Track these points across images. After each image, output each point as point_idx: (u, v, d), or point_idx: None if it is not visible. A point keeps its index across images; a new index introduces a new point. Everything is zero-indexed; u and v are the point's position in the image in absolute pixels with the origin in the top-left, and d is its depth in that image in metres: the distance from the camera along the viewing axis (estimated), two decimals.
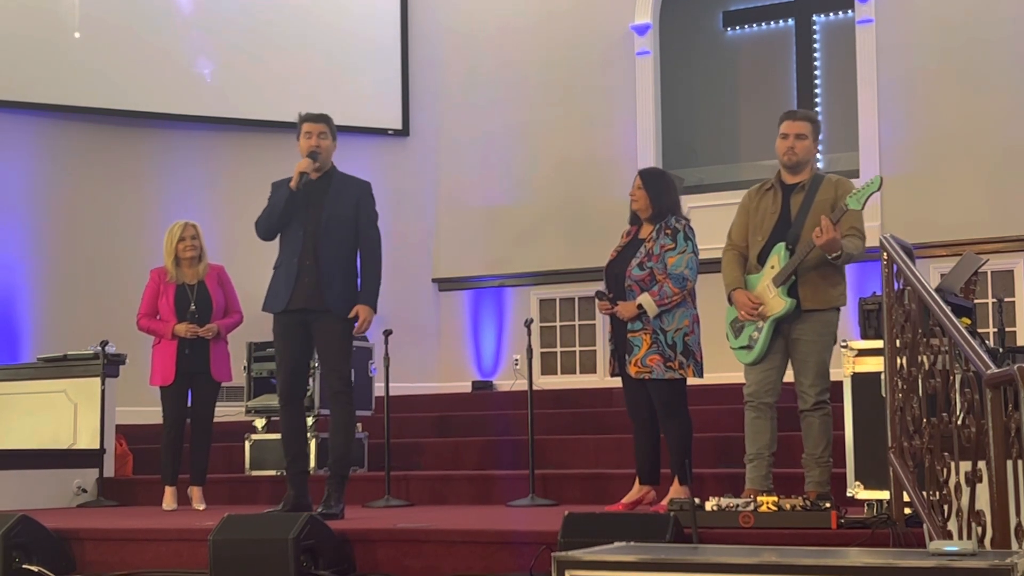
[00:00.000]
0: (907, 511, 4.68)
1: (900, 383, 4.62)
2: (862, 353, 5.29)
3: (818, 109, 10.50)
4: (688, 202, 9.69)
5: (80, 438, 8.36)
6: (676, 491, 5.84)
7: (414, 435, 8.71)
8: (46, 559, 5.65)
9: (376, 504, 7.16)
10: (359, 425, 8.23)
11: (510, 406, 9.15)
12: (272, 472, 7.98)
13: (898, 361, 4.64)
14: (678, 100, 11.03)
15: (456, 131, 11.25)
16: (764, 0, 11.06)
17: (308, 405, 7.14)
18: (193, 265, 7.39)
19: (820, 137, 5.97)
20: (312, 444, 7.70)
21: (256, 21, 10.91)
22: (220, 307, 7.39)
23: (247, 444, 8.26)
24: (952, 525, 3.97)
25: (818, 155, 9.85)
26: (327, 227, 6.13)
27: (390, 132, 11.25)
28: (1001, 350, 5.46)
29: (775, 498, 5.01)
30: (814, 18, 10.87)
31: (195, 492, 7.33)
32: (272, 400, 7.93)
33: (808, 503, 4.99)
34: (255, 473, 8.16)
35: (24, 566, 5.58)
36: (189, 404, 7.36)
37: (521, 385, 8.47)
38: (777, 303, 5.58)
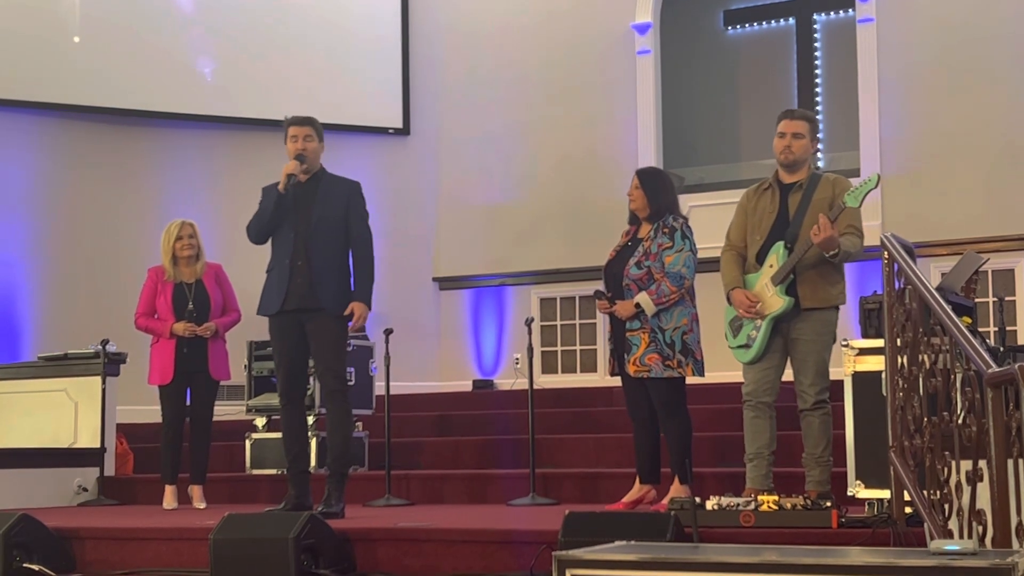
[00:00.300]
0: (908, 510, 4.68)
1: (901, 382, 4.62)
2: (863, 352, 5.29)
3: (819, 108, 10.50)
4: (688, 201, 9.70)
5: (81, 437, 8.36)
6: (676, 490, 5.84)
7: (414, 434, 8.71)
8: (47, 558, 5.65)
9: (376, 503, 7.16)
10: (359, 424, 8.24)
11: (510, 405, 9.15)
12: (273, 471, 7.98)
13: (899, 360, 4.64)
14: (679, 99, 11.02)
15: (457, 130, 11.25)
16: None
17: (309, 404, 7.13)
18: (191, 264, 7.39)
19: (819, 136, 5.96)
20: (313, 443, 7.70)
21: (257, 20, 10.91)
22: (218, 306, 7.39)
23: (248, 443, 8.27)
24: (953, 524, 3.97)
25: (818, 154, 9.87)
26: (317, 228, 6.14)
27: (391, 131, 11.25)
28: (1002, 349, 5.46)
29: (776, 497, 5.01)
30: (815, 17, 10.87)
31: (195, 491, 7.33)
32: (273, 399, 7.92)
33: (809, 502, 4.99)
34: (256, 472, 8.16)
35: (25, 565, 5.58)
36: (188, 403, 7.36)
37: (522, 384, 8.47)
38: (775, 301, 5.58)
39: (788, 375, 5.71)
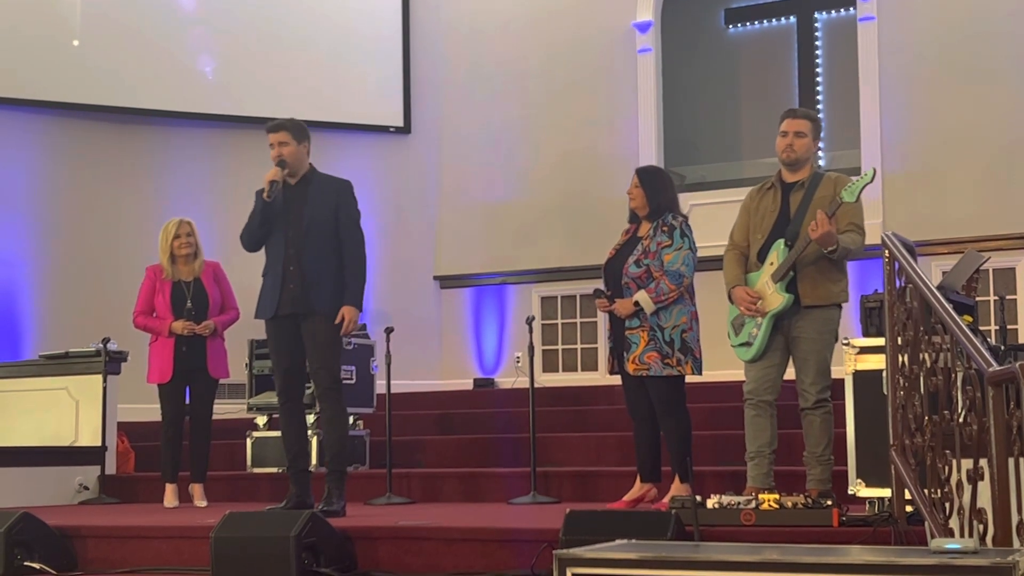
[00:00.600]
0: (909, 509, 4.68)
1: (902, 381, 4.62)
2: (864, 351, 5.28)
3: (819, 106, 10.50)
4: (689, 199, 9.70)
5: (82, 435, 8.36)
6: (677, 489, 5.84)
7: (415, 432, 8.71)
8: (48, 556, 5.66)
9: (377, 501, 7.16)
10: (360, 423, 8.24)
11: (511, 404, 9.16)
12: (273, 469, 7.99)
13: (900, 359, 4.64)
14: (679, 97, 11.02)
15: (458, 128, 11.25)
16: None
17: (309, 403, 7.14)
18: (189, 262, 7.40)
19: (821, 135, 5.96)
20: (314, 442, 7.70)
21: (258, 18, 10.91)
22: (216, 304, 7.40)
23: (248, 441, 8.27)
24: (954, 523, 3.97)
25: (819, 153, 9.87)
26: (308, 231, 6.14)
27: (392, 129, 11.24)
28: (1003, 347, 5.47)
29: (776, 496, 5.01)
30: (816, 15, 10.87)
31: (196, 489, 7.33)
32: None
33: (810, 501, 4.99)
34: (256, 470, 8.16)
35: (26, 563, 5.58)
36: (187, 401, 7.37)
37: (523, 382, 8.47)
38: (775, 299, 5.58)
39: (790, 373, 5.71)
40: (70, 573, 5.69)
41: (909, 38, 9.77)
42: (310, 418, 7.74)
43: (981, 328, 5.73)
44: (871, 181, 5.47)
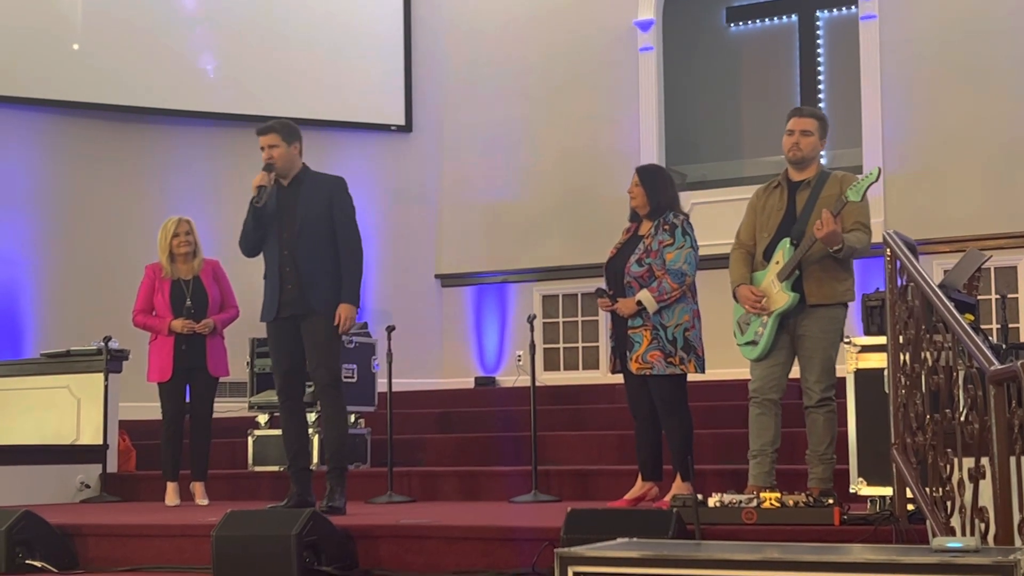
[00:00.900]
0: (910, 507, 4.68)
1: (903, 379, 4.61)
2: (865, 349, 5.28)
3: (821, 105, 10.50)
4: (691, 198, 9.70)
5: (83, 434, 8.37)
6: (679, 487, 5.84)
7: (416, 431, 8.71)
8: (49, 555, 5.65)
9: (379, 500, 7.16)
10: (361, 421, 8.24)
11: (513, 402, 9.16)
12: (275, 468, 7.98)
13: (901, 357, 4.63)
14: (681, 96, 11.02)
15: (459, 127, 11.25)
16: None
17: (310, 402, 7.14)
18: (188, 261, 7.40)
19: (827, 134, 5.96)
20: (314, 440, 7.71)
21: (259, 17, 10.91)
22: (216, 302, 7.39)
23: (250, 440, 8.27)
24: (955, 522, 3.96)
25: (821, 152, 9.86)
26: (302, 232, 6.13)
27: (393, 128, 11.24)
28: (1004, 346, 5.47)
29: (778, 494, 5.01)
30: (817, 14, 10.87)
31: (197, 488, 7.33)
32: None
33: (811, 499, 4.98)
34: (258, 469, 8.16)
35: (27, 562, 5.58)
36: (188, 400, 7.37)
37: (524, 381, 8.47)
38: (781, 297, 5.57)
39: (794, 372, 5.70)
40: (71, 572, 5.69)
41: (911, 36, 9.77)
42: (311, 416, 7.74)
43: (982, 327, 5.73)
44: (876, 180, 5.46)
